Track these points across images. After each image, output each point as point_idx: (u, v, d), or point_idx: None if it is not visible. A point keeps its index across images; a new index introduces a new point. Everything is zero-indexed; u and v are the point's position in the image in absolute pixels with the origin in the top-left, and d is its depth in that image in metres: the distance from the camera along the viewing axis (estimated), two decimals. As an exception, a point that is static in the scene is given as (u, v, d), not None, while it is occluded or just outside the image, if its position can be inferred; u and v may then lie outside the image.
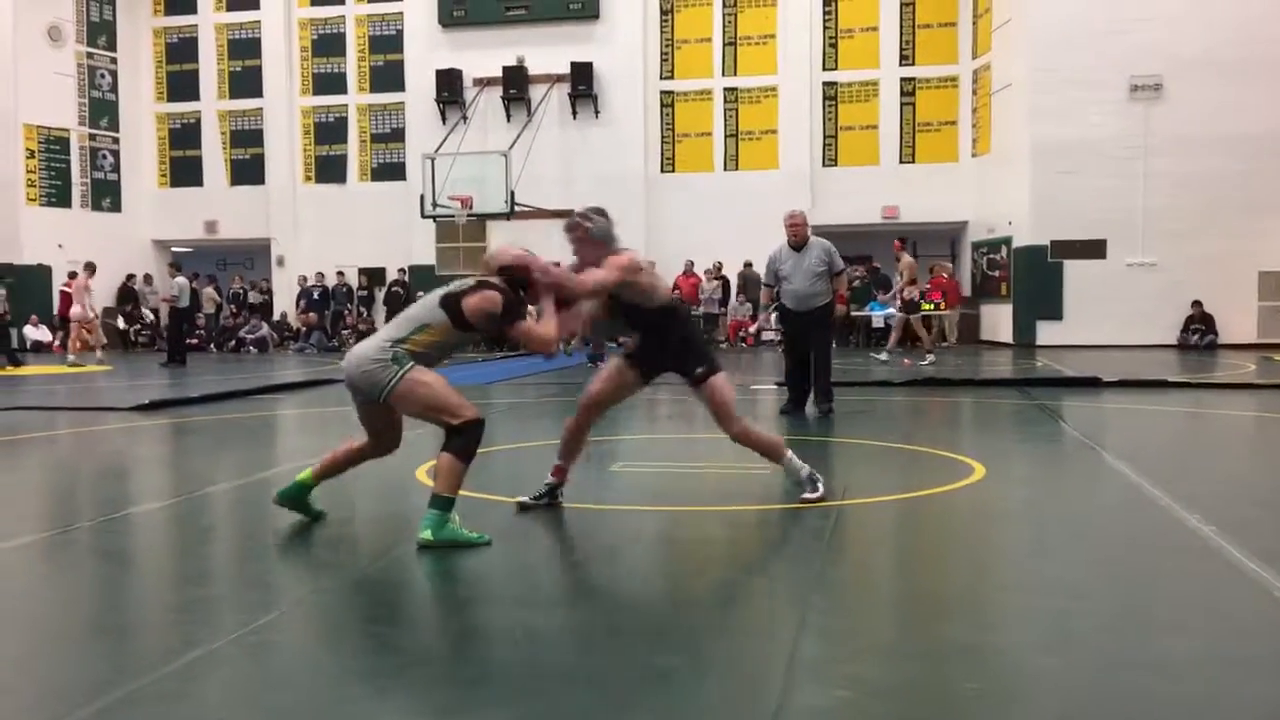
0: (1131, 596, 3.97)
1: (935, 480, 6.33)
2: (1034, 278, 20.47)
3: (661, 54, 23.56)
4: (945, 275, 18.32)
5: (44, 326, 23.17)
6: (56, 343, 22.53)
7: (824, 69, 23.13)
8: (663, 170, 23.62)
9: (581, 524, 5.34)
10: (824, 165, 23.14)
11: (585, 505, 5.62)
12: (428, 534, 4.57)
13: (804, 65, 23.01)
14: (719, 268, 22.59)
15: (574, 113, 23.38)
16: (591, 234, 5.49)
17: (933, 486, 6.13)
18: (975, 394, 11.56)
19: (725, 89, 23.42)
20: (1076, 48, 19.74)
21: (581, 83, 23.08)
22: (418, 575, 4.44)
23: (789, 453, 5.62)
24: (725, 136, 23.44)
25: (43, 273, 23.51)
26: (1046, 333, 20.47)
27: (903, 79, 22.96)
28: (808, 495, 5.47)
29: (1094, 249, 20.22)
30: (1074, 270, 20.31)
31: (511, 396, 12.09)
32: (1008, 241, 21.32)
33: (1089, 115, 19.85)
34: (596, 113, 23.34)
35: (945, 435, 8.35)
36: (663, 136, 23.64)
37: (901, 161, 22.91)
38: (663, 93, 23.60)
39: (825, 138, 23.19)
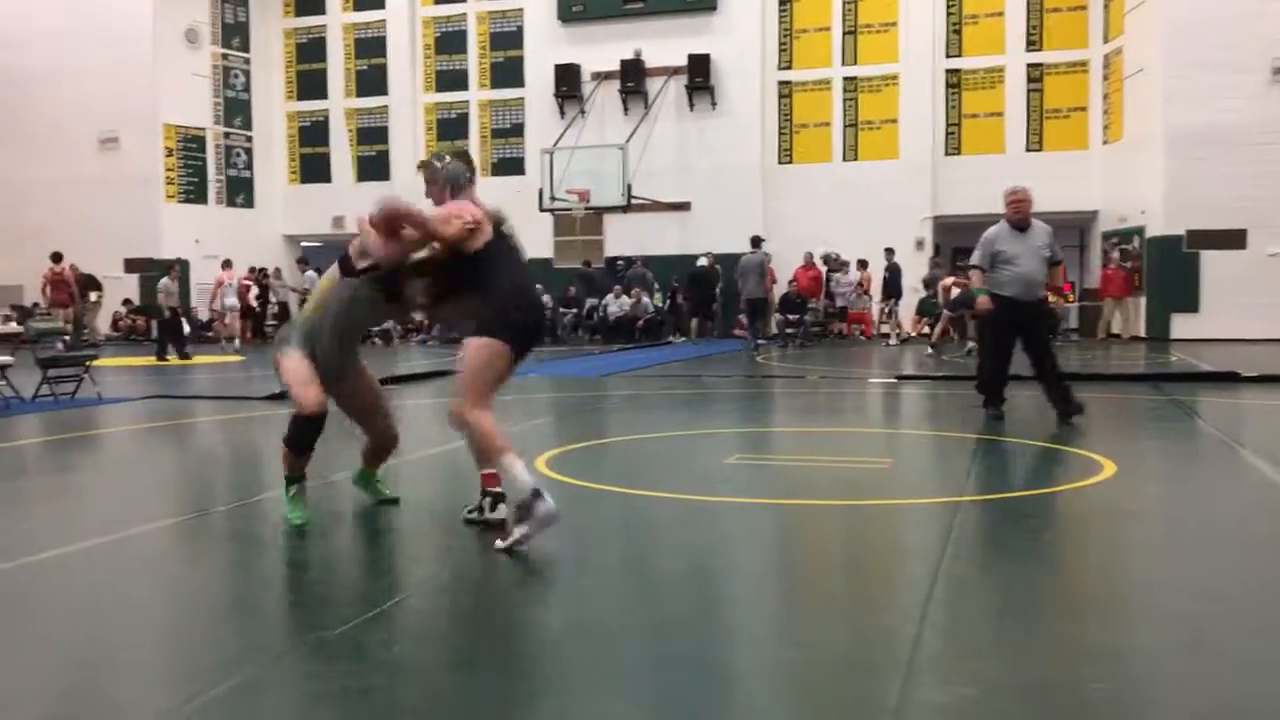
0: (1271, 600, 3.79)
1: (1063, 477, 6.14)
2: (1169, 269, 19.67)
3: (780, 44, 23.34)
4: (1113, 266, 17.67)
5: (183, 318, 24.11)
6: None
7: (947, 56, 22.61)
8: (780, 161, 23.42)
9: (697, 516, 5.32)
10: (946, 154, 22.64)
11: (700, 497, 5.61)
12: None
13: (926, 52, 22.54)
14: (864, 264, 21.82)
15: (691, 105, 23.34)
16: (439, 176, 5.18)
17: (1061, 483, 5.95)
18: (1105, 389, 11.16)
19: (845, 78, 23.08)
20: (1215, 30, 18.88)
21: (699, 75, 23.02)
22: (537, 563, 4.49)
23: (512, 461, 4.50)
24: (844, 126, 23.12)
25: (179, 267, 24.45)
26: (1182, 326, 19.66)
27: (1030, 65, 22.29)
28: (514, 533, 4.35)
29: (1233, 239, 19.34)
30: (1211, 261, 19.45)
31: (628, 388, 12.15)
32: (1140, 232, 20.54)
33: (1228, 100, 18.97)
34: (713, 104, 23.27)
35: (1073, 431, 8.09)
36: (780, 127, 23.43)
37: (1028, 150, 22.26)
38: (780, 83, 23.39)
39: (948, 126, 22.67)
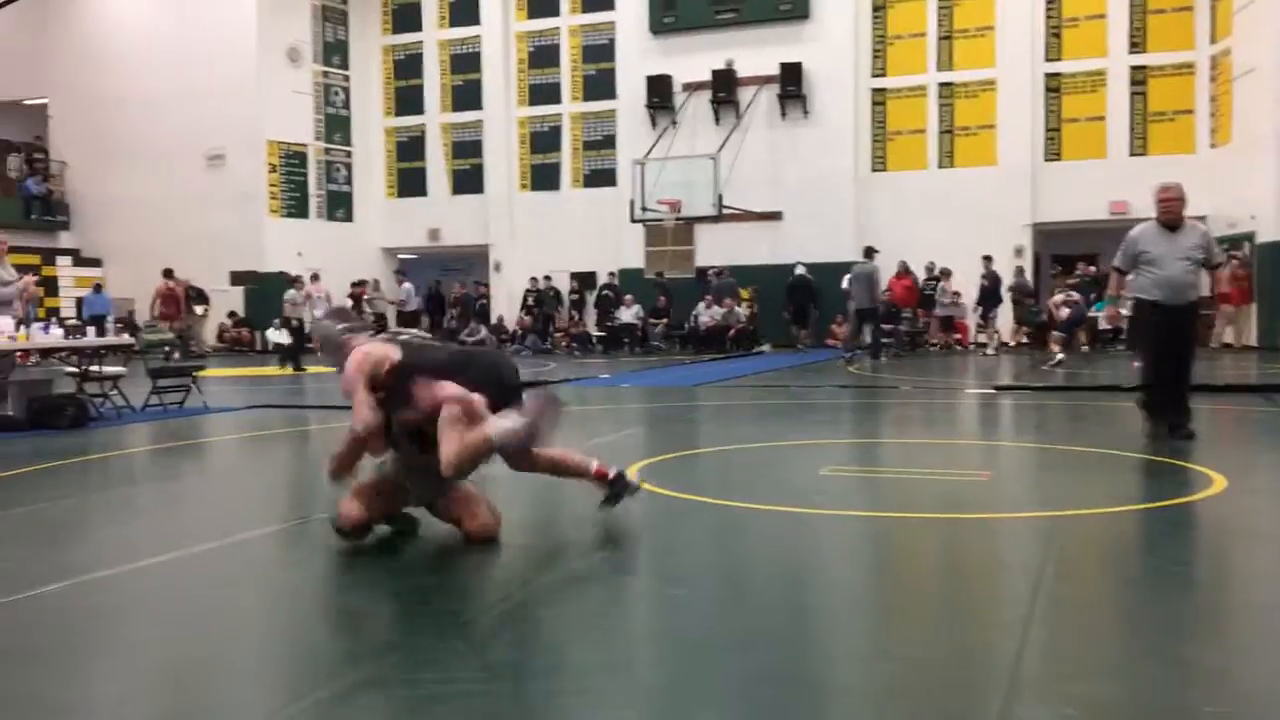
0: (1401, 624, 3.60)
1: (1171, 491, 5.94)
2: (1281, 276, 18.95)
3: (873, 51, 23.11)
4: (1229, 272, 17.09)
5: (285, 330, 24.75)
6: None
7: (1046, 59, 22.13)
8: (873, 169, 23.16)
9: (790, 528, 5.27)
10: (1046, 160, 22.15)
11: (794, 509, 5.55)
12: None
13: (1025, 57, 22.09)
14: (947, 274, 21.53)
15: (783, 113, 23.23)
16: (330, 345, 4.85)
17: (1169, 498, 5.76)
18: (1214, 400, 10.78)
19: (940, 84, 22.74)
20: (1332, 26, 18.17)
21: (791, 83, 22.91)
22: (634, 574, 4.50)
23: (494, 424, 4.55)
24: (940, 133, 22.77)
25: (282, 280, 25.12)
26: (1295, 335, 18.92)
27: (1133, 67, 21.70)
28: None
29: (1350, 244, 18.56)
30: (1327, 268, 18.70)
31: (719, 398, 12.12)
32: (1250, 238, 19.81)
33: (1346, 99, 18.22)
34: (805, 113, 23.12)
35: (1180, 443, 7.82)
36: (874, 135, 23.18)
37: (1132, 154, 21.65)
38: (874, 90, 23.14)
39: (1048, 131, 22.17)
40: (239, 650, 3.55)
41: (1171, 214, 7.76)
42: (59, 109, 26.39)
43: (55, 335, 10.04)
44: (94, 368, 10.56)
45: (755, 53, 23.08)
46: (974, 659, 3.30)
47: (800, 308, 22.07)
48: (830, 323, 22.24)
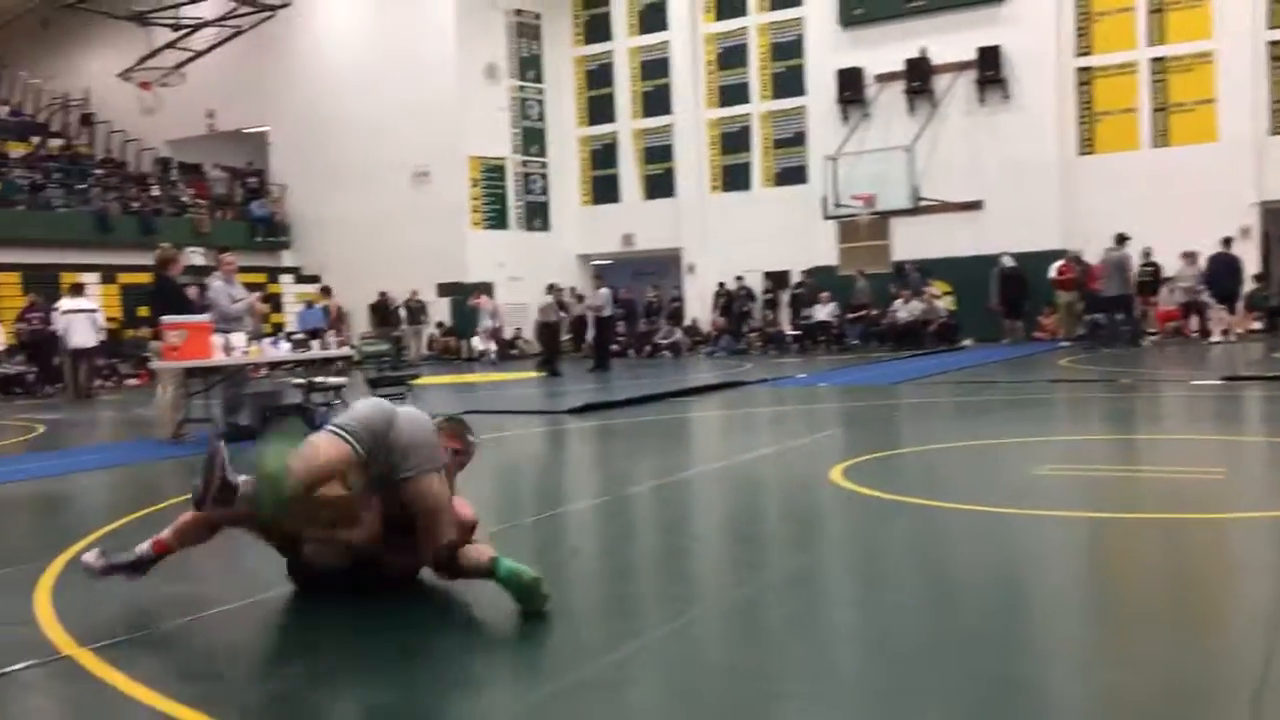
0: None
1: None
2: None
3: (1077, 29, 22.05)
4: None
5: (491, 340, 25.63)
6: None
7: (1269, 27, 20.59)
8: (1080, 152, 22.09)
9: (1004, 530, 5.08)
10: (1271, 133, 20.61)
11: (1008, 510, 5.35)
12: (526, 568, 3.83)
13: (1245, 25, 20.61)
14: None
15: (981, 100, 22.44)
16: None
17: None
18: None
19: (1151, 59, 21.49)
20: None
21: (989, 68, 22.12)
22: (841, 576, 4.43)
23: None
24: (1152, 111, 21.51)
25: (484, 289, 26.02)
26: None
27: (1370, 28, 19.95)
28: None
29: None
30: None
31: (922, 395, 11.81)
32: None
33: None
34: (1005, 98, 22.27)
35: None
36: (1079, 116, 22.11)
37: (1372, 121, 19.91)
38: (1078, 70, 22.07)
39: (1273, 102, 20.64)
40: (463, 646, 3.68)
41: None
42: (278, 135, 28.13)
43: (283, 349, 10.70)
44: (318, 379, 11.20)
45: (950, 39, 22.40)
46: (1213, 666, 3.10)
47: (1011, 299, 21.23)
48: (1039, 314, 21.36)
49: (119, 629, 3.82)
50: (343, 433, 3.97)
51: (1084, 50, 21.98)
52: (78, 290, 18.07)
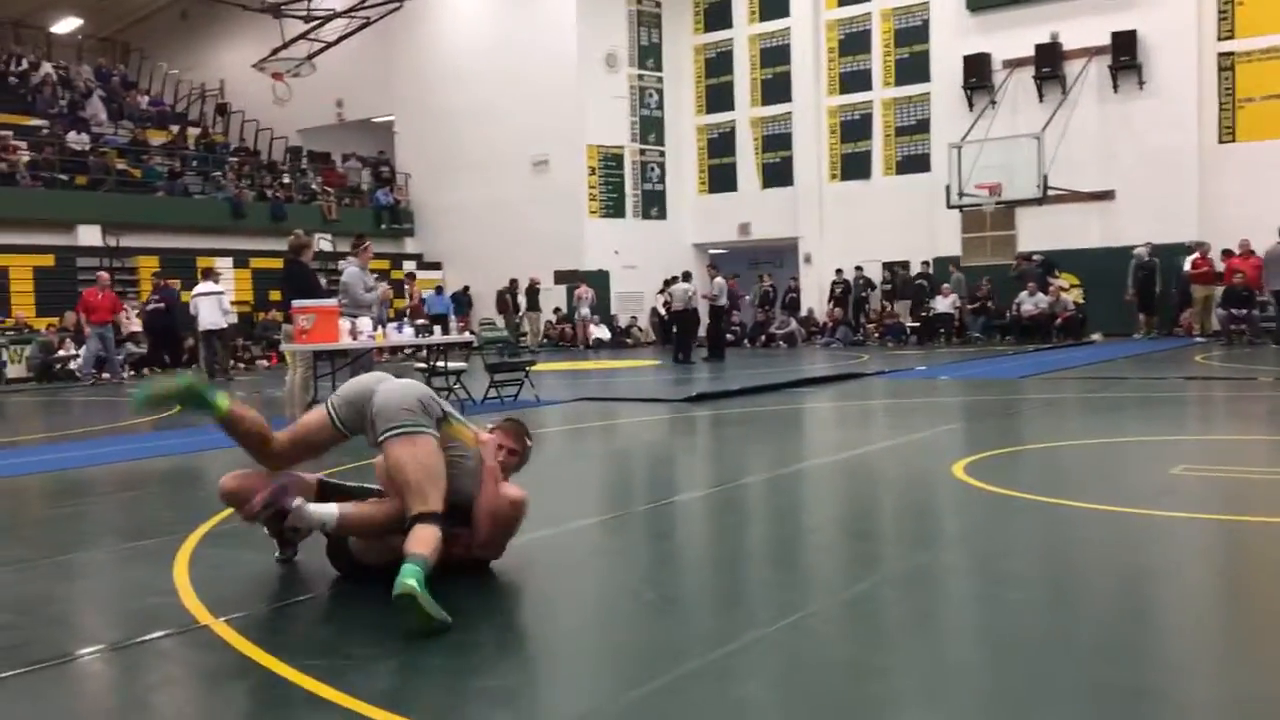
0: None
1: None
2: None
3: (1219, 12, 21.09)
4: None
5: (604, 325, 25.83)
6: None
7: None
8: (1220, 140, 21.14)
9: (1136, 531, 4.90)
10: None
11: (1139, 510, 5.16)
12: (412, 582, 3.47)
13: (1406, 3, 19.46)
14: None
15: (1115, 86, 21.65)
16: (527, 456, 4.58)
17: None
18: None
19: (1301, 43, 20.44)
20: None
21: (1123, 53, 21.31)
22: (964, 574, 4.33)
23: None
24: (1299, 96, 20.47)
25: (601, 277, 26.22)
26: None
27: None
28: None
29: None
30: None
31: (1048, 391, 11.48)
32: None
33: None
34: (1140, 84, 21.44)
35: None
36: (1220, 103, 21.15)
37: None
38: (1220, 55, 21.10)
39: None
40: (576, 635, 3.71)
41: None
42: (403, 125, 28.77)
43: (407, 334, 10.93)
44: (439, 363, 11.43)
45: (1083, 24, 21.66)
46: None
47: (1146, 293, 20.45)
48: (1173, 309, 20.57)
49: (252, 601, 3.96)
50: (328, 404, 4.18)
51: (1227, 34, 21.01)
52: (208, 274, 18.81)
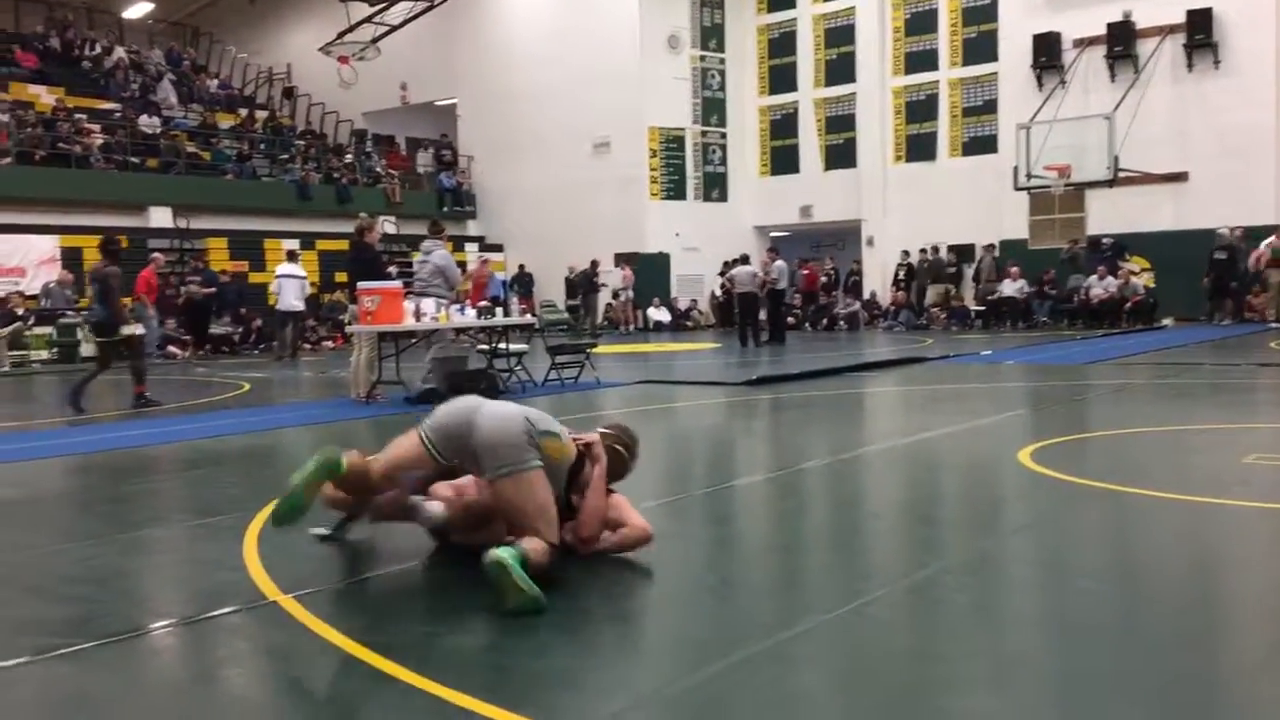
0: None
1: None
2: None
3: (1300, -13, 20.45)
4: None
5: (664, 308, 25.82)
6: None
7: None
8: (1301, 121, 20.53)
9: (1206, 520, 4.80)
10: None
11: (1210, 499, 5.05)
12: (504, 554, 3.56)
13: None
14: None
15: (1189, 65, 21.11)
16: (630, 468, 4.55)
17: None
18: None
19: (1386, 18, 19.75)
20: None
21: (1199, 32, 20.76)
22: (1014, 564, 4.27)
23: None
24: (1387, 74, 19.80)
25: (661, 259, 26.19)
26: None
27: None
28: None
29: None
30: None
31: (1118, 377, 11.26)
32: None
33: None
34: (1216, 63, 20.86)
35: None
36: (1300, 82, 20.53)
37: None
38: (1301, 31, 20.48)
39: None
40: (625, 612, 3.72)
41: None
42: (465, 108, 28.92)
43: (469, 316, 11.02)
44: (501, 345, 11.50)
45: (1156, 1, 21.12)
46: None
47: (1219, 278, 19.94)
48: (1247, 294, 20.06)
49: (319, 578, 4.02)
50: (425, 437, 4.03)
51: (1309, 10, 20.38)
52: (291, 257, 19.23)
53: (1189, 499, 5.07)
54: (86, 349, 18.77)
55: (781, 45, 27.04)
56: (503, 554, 3.52)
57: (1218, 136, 20.59)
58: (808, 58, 26.60)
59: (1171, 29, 21.10)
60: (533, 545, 3.70)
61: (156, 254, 18.92)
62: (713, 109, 27.13)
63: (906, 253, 24.35)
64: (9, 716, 2.89)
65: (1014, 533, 4.75)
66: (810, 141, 26.75)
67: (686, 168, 26.73)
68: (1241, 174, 20.31)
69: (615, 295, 25.91)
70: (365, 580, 4.07)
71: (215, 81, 30.07)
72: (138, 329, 10.93)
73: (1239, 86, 20.54)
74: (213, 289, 20.83)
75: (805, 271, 25.67)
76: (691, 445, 8.24)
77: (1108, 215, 21.81)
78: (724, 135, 27.35)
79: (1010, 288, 22.19)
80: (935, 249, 24.09)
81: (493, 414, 3.98)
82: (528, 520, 3.83)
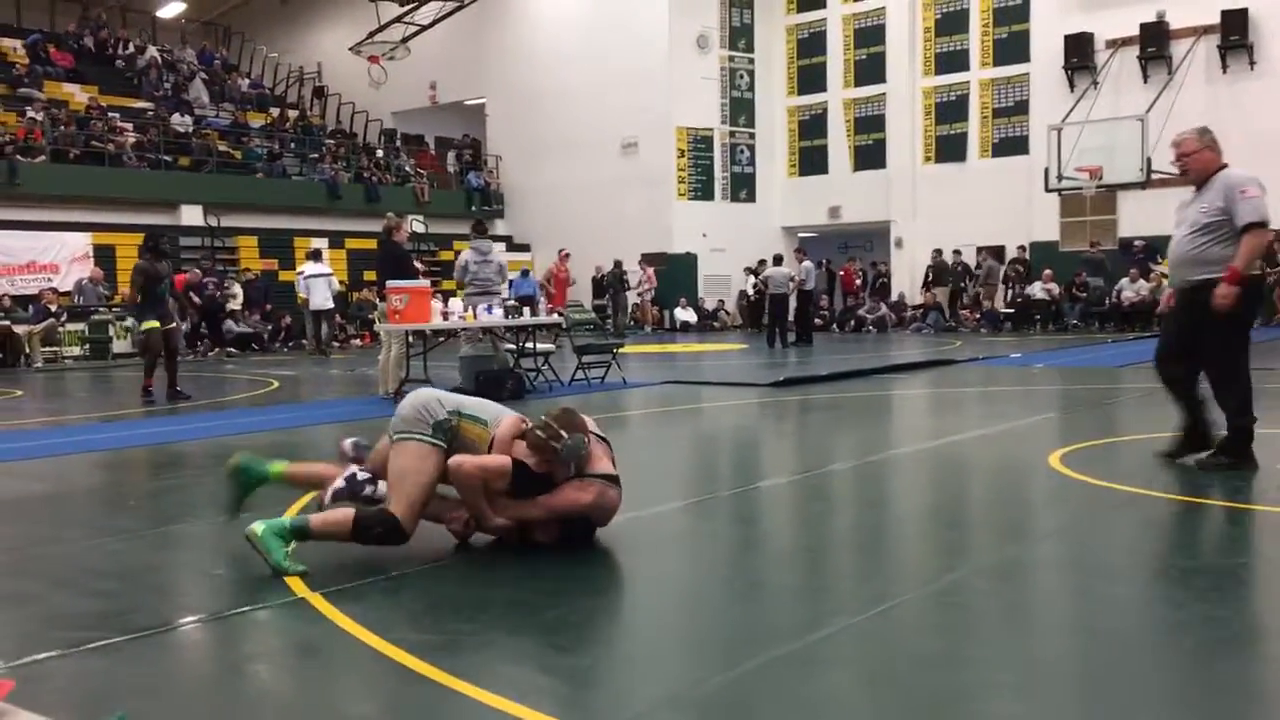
0: None
1: None
2: None
3: (1338, -13, 20.20)
4: None
5: (691, 309, 25.78)
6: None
7: None
8: (1338, 122, 20.27)
9: (1245, 526, 4.74)
10: None
11: (1251, 506, 4.98)
12: (256, 526, 4.05)
13: None
14: None
15: (1224, 66, 20.89)
16: (558, 458, 4.26)
17: None
18: None
19: None
20: None
21: (1234, 32, 20.55)
22: (1043, 569, 4.23)
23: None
24: None
25: (688, 260, 26.16)
26: None
27: None
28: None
29: None
30: None
31: (1149, 380, 11.12)
32: None
33: None
34: (1251, 64, 20.65)
35: None
36: (1337, 84, 20.27)
37: None
38: (1339, 32, 20.23)
39: None
40: (651, 611, 3.71)
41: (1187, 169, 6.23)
42: (494, 107, 28.99)
43: (497, 315, 11.04)
44: (528, 345, 11.52)
45: (1190, 2, 20.91)
46: None
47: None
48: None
49: (349, 576, 4.03)
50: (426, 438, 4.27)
51: (1348, 10, 20.12)
52: (317, 255, 19.36)
53: (1224, 504, 5.01)
54: (118, 346, 19.01)
55: (811, 45, 26.95)
56: (254, 527, 4.04)
57: (1252, 139, 20.30)
58: (837, 58, 26.51)
59: (1206, 30, 20.89)
60: (325, 516, 4.17)
61: (195, 269, 19.43)
62: (741, 109, 27.08)
63: (938, 251, 24.15)
64: (41, 710, 2.91)
65: (1044, 537, 4.71)
66: (839, 142, 26.65)
67: (714, 168, 26.68)
68: (1276, 177, 19.98)
69: (638, 295, 25.92)
70: (395, 578, 4.08)
71: (246, 81, 30.29)
72: (154, 324, 11.09)
73: (1275, 88, 20.31)
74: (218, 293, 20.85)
75: (842, 273, 25.70)
76: (718, 446, 8.22)
77: (1140, 217, 21.60)
78: (752, 135, 27.29)
79: (1041, 290, 22.02)
80: (939, 251, 23.91)
81: (416, 393, 4.40)
82: (390, 485, 4.23)
